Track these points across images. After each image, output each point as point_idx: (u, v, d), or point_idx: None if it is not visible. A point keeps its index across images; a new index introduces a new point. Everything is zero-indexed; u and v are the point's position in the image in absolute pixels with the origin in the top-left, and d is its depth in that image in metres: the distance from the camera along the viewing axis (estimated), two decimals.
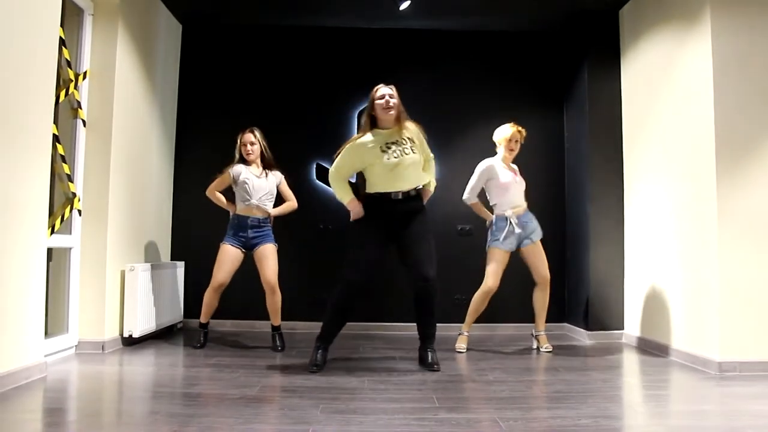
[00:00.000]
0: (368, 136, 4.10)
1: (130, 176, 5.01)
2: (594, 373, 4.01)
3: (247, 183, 4.76)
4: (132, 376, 3.96)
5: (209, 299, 4.78)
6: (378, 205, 4.10)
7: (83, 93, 4.57)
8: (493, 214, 4.86)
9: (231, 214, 4.92)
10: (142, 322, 4.85)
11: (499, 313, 5.74)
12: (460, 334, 4.93)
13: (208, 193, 4.96)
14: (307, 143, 6.06)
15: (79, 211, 4.51)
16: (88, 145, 4.60)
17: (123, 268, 4.82)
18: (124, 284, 4.80)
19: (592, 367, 4.23)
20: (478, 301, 4.82)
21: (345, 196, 4.15)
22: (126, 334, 4.76)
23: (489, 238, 4.84)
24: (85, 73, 4.55)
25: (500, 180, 4.79)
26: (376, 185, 4.10)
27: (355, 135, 4.25)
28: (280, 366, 4.16)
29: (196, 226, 6.01)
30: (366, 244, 4.06)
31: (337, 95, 6.18)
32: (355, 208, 4.13)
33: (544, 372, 4.11)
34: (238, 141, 4.89)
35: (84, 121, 4.57)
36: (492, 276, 4.76)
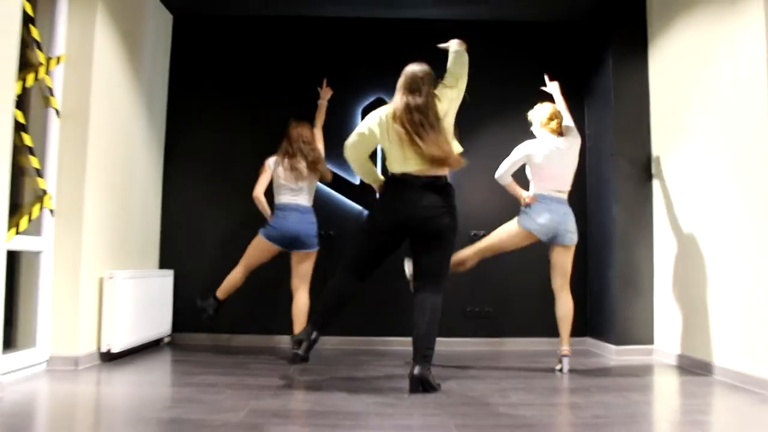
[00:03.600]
0: None
1: (111, 173, 4.53)
2: (631, 395, 3.49)
3: None
4: (104, 397, 3.48)
5: None
6: None
7: (57, 79, 4.10)
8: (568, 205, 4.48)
9: None
10: (122, 336, 4.36)
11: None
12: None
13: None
14: None
15: (51, 211, 4.04)
16: (62, 137, 4.11)
17: (101, 275, 4.33)
18: (103, 293, 4.31)
19: (627, 388, 3.71)
20: None
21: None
22: (104, 349, 4.26)
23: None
24: (59, 57, 4.09)
25: None
26: None
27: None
28: (273, 386, 3.64)
29: (188, 231, 5.54)
30: None
31: (340, 90, 5.69)
32: None
33: (574, 393, 3.58)
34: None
35: (57, 111, 4.09)
36: None
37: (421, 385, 3.42)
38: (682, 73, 4.63)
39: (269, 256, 4.69)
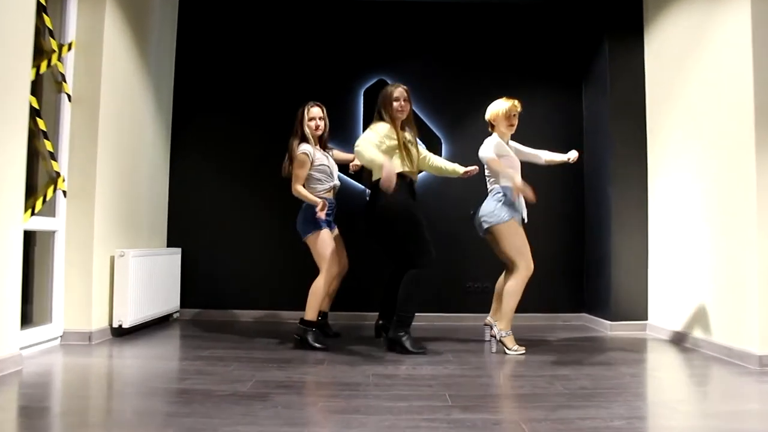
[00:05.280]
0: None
1: (121, 156, 4.68)
2: (620, 368, 3.66)
3: (326, 165, 4.41)
4: (117, 370, 3.66)
5: (323, 293, 4.29)
6: (410, 185, 4.21)
7: (68, 66, 4.24)
8: (496, 191, 4.28)
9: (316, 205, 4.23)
10: (133, 312, 4.54)
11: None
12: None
13: (299, 189, 4.29)
14: None
15: (64, 192, 4.20)
16: (73, 121, 4.27)
17: (112, 253, 4.50)
18: (114, 271, 4.49)
19: (617, 361, 3.88)
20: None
21: (378, 157, 3.89)
22: (116, 324, 4.45)
23: (499, 213, 4.17)
24: (70, 44, 4.23)
25: (512, 158, 4.32)
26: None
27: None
28: (278, 359, 3.83)
29: (194, 211, 5.70)
30: (422, 222, 4.10)
31: (344, 71, 5.82)
32: (390, 169, 3.79)
33: (565, 366, 3.75)
34: (304, 116, 4.45)
35: (69, 96, 4.24)
36: (528, 254, 4.22)
37: (393, 345, 4.03)
38: (675, 58, 4.73)
39: None
